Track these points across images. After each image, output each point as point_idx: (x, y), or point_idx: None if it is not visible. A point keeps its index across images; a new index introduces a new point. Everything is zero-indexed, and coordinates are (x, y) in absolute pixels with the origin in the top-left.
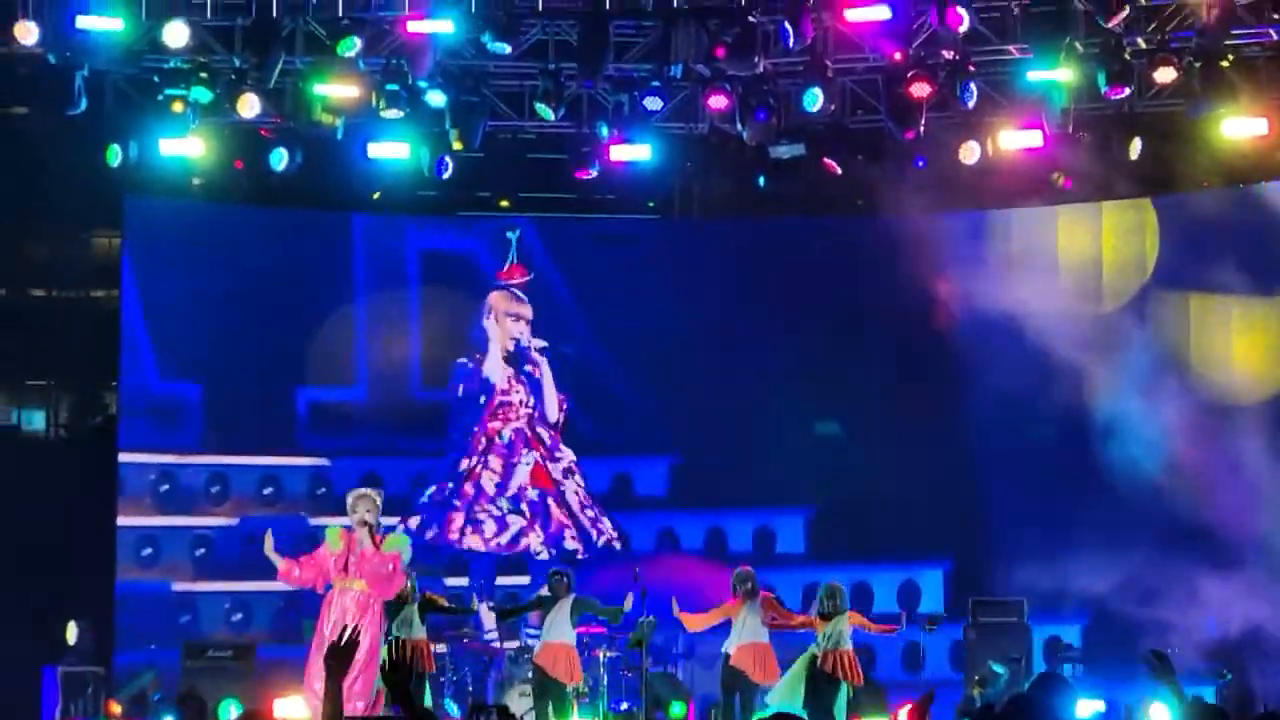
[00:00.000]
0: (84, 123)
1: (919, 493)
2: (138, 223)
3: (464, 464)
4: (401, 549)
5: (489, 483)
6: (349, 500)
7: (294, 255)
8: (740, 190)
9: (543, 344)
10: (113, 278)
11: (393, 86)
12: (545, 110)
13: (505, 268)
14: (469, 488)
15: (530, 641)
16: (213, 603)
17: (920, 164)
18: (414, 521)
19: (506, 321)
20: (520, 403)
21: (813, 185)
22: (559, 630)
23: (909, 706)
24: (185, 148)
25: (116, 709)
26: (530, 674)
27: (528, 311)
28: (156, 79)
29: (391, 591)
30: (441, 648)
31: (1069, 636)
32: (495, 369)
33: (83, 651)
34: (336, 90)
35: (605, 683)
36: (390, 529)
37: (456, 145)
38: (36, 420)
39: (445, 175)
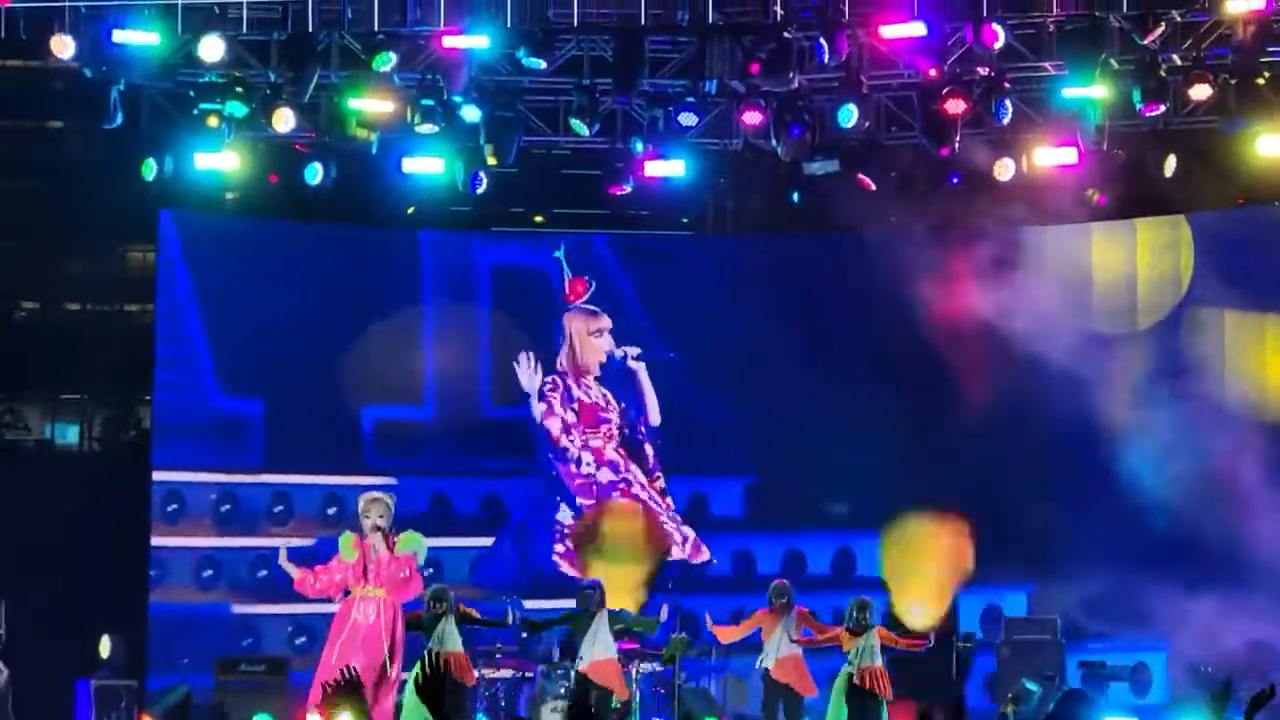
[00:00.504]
0: (119, 137)
1: (993, 517)
2: (173, 237)
3: (577, 480)
4: (416, 548)
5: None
6: (361, 504)
7: (356, 270)
8: (774, 206)
9: (636, 350)
10: (147, 291)
11: (428, 101)
12: (580, 126)
13: (565, 287)
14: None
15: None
16: (275, 625)
17: (955, 181)
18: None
19: (591, 339)
20: (617, 421)
21: (847, 202)
22: (602, 646)
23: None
24: (220, 162)
25: None
26: (564, 688)
27: (605, 322)
28: (192, 93)
29: (410, 594)
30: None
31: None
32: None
33: (116, 665)
34: (371, 105)
35: (638, 699)
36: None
37: (491, 160)
38: (70, 434)
39: (479, 190)
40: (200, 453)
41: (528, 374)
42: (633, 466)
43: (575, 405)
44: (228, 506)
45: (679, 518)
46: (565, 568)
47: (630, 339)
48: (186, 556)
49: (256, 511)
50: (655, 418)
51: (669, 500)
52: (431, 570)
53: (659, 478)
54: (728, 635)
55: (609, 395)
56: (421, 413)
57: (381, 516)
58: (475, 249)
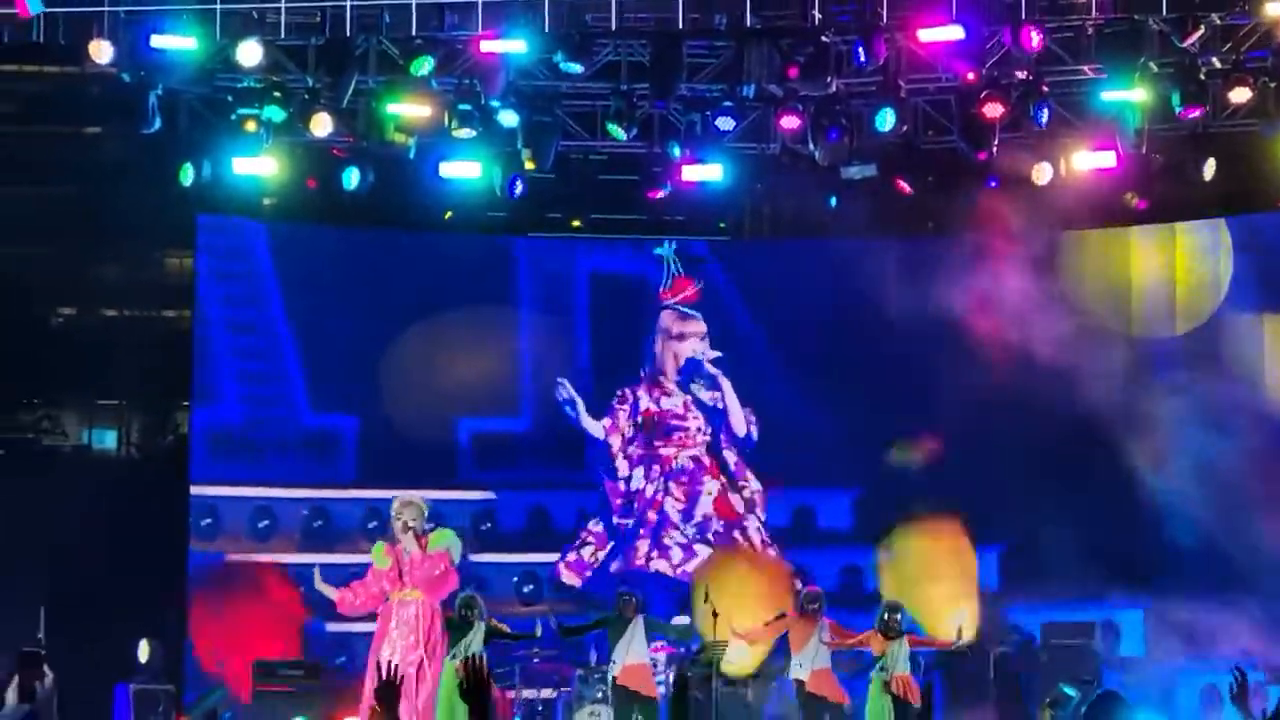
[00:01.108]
0: (157, 142)
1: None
2: (214, 242)
3: (648, 490)
4: (450, 546)
5: (673, 509)
6: (394, 507)
7: (447, 279)
8: (811, 211)
9: (716, 354)
10: (184, 297)
11: (465, 106)
12: (617, 130)
13: (669, 285)
14: (653, 515)
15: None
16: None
17: (993, 184)
18: (592, 553)
19: (672, 343)
20: (698, 428)
21: (884, 206)
22: (636, 651)
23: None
24: (258, 167)
25: None
26: (601, 692)
27: (698, 327)
28: (230, 98)
29: (446, 591)
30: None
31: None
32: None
33: (154, 669)
34: (409, 109)
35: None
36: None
37: (528, 165)
38: (108, 439)
39: (517, 195)
40: (295, 467)
41: (566, 393)
42: (708, 477)
43: (640, 417)
44: (320, 523)
45: (769, 536)
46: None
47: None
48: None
49: (349, 527)
50: (739, 427)
51: (760, 514)
52: (531, 587)
53: (745, 486)
54: (755, 637)
55: (689, 401)
56: (518, 424)
57: (414, 519)
58: (576, 256)
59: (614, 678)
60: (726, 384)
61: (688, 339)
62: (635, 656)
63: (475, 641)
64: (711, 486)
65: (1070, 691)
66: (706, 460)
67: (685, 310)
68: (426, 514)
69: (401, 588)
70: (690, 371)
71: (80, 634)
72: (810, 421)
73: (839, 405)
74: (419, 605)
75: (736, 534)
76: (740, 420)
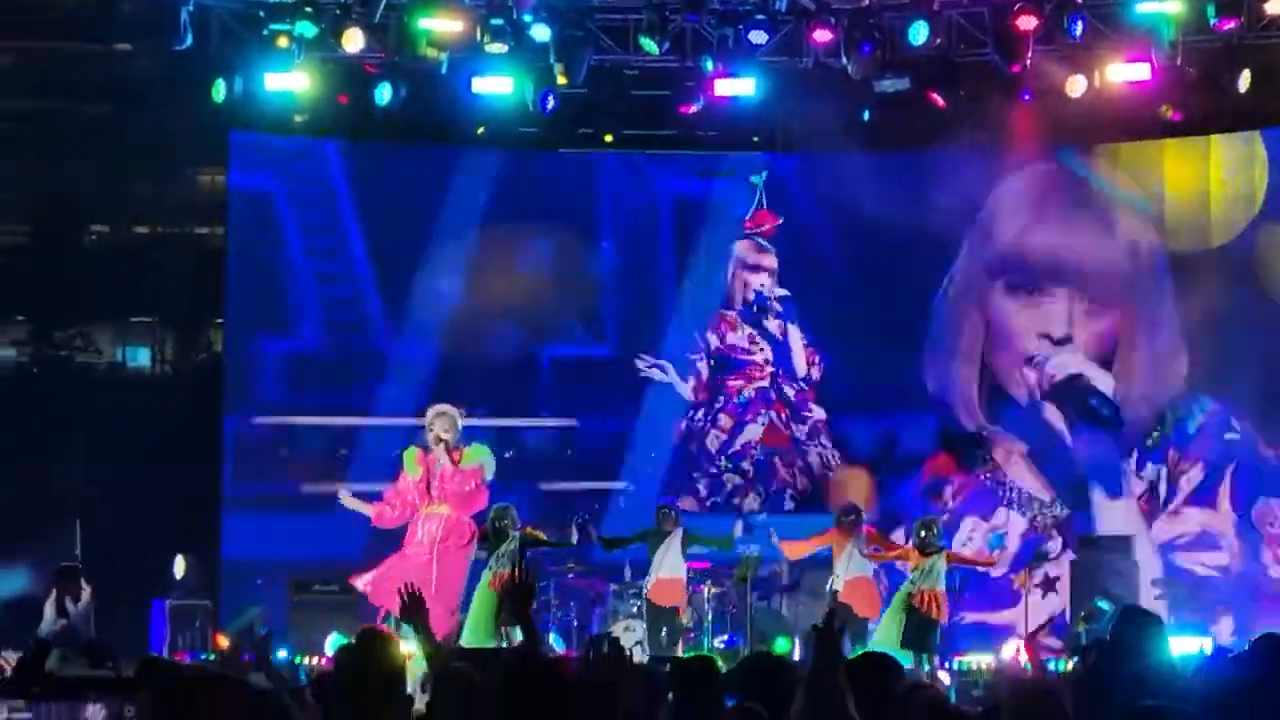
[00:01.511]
0: (188, 59)
1: None
2: (242, 158)
3: (685, 425)
4: (484, 461)
5: (713, 441)
6: (427, 418)
7: (527, 197)
8: (844, 125)
9: (783, 293)
10: (217, 214)
11: (497, 21)
12: (650, 44)
13: (751, 214)
14: (692, 448)
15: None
16: None
17: (1026, 98)
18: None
19: (744, 274)
20: (765, 361)
21: (918, 119)
22: (671, 565)
23: (1022, 643)
24: (290, 82)
25: (224, 642)
26: (637, 608)
27: (769, 261)
28: (262, 14)
29: (475, 508)
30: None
31: None
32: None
33: (190, 585)
34: (441, 24)
35: (710, 618)
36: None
37: (561, 80)
38: (141, 356)
39: (549, 110)
40: (384, 397)
41: (658, 371)
42: (766, 409)
43: (711, 360)
44: (397, 451)
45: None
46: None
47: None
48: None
49: None
50: (800, 367)
51: (825, 440)
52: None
53: (809, 416)
54: (794, 551)
55: (755, 334)
56: (601, 349)
57: (447, 431)
58: (660, 178)
59: (646, 592)
60: (792, 327)
61: (760, 272)
62: (669, 570)
63: (512, 556)
64: (765, 417)
65: (1104, 605)
66: (772, 393)
67: (762, 242)
68: (460, 426)
69: (429, 501)
70: (757, 304)
71: (116, 551)
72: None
73: (888, 325)
74: (444, 520)
75: (778, 461)
76: (801, 359)
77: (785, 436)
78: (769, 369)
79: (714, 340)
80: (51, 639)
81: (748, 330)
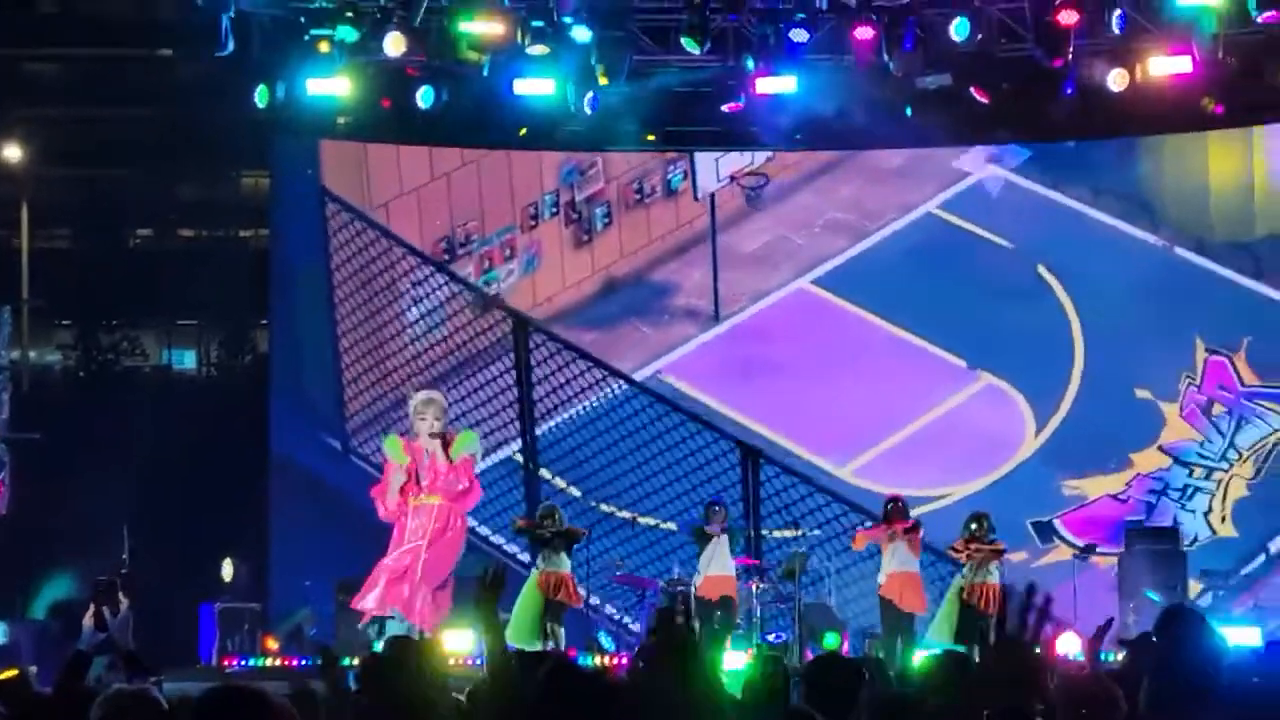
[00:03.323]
0: (231, 64)
1: None
2: (285, 162)
3: None
4: (474, 451)
5: None
6: (414, 404)
7: None
8: (887, 121)
9: None
10: (261, 217)
11: (538, 23)
12: (691, 43)
13: None
14: None
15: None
16: None
17: (1069, 92)
18: None
19: None
20: None
21: (960, 115)
22: (720, 563)
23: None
24: (332, 87)
25: (274, 645)
26: (683, 606)
27: None
28: (303, 19)
29: (469, 504)
30: None
31: None
32: None
33: (239, 588)
34: (482, 27)
35: (759, 614)
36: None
37: (603, 80)
38: (187, 359)
39: (592, 111)
40: None
41: None
42: None
43: None
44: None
45: None
46: None
47: None
48: None
49: None
50: None
51: None
52: None
53: None
54: (858, 541)
55: None
56: None
57: (438, 418)
58: None
59: (695, 589)
60: None
61: None
62: (718, 568)
63: (558, 557)
64: None
65: (1154, 598)
66: None
67: None
68: (447, 410)
69: (419, 492)
70: None
71: (165, 554)
72: None
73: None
74: (435, 510)
75: None
76: None
77: None
78: None
79: None
80: (92, 651)
81: None
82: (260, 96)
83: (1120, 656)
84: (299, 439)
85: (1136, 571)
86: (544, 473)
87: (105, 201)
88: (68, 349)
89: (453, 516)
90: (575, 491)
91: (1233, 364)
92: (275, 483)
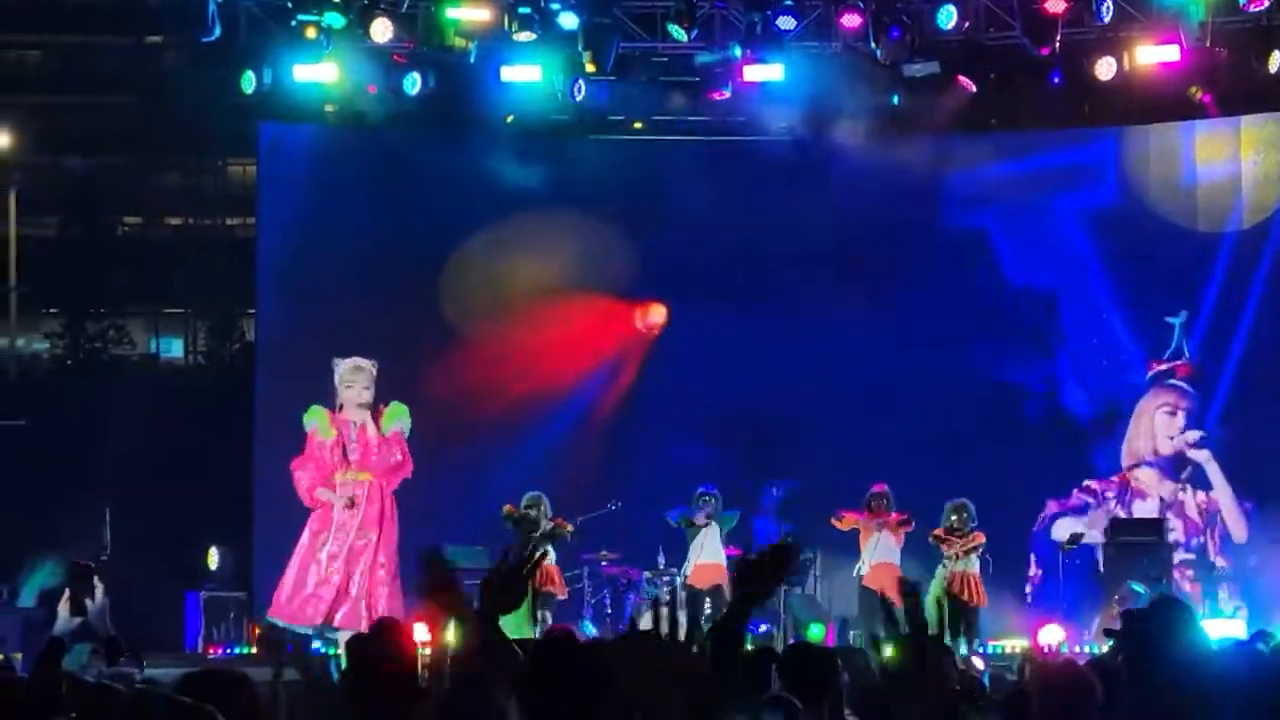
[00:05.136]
0: (217, 50)
1: None
2: (273, 149)
3: None
4: (405, 423)
5: None
6: (342, 372)
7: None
8: (874, 109)
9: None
10: (248, 205)
11: (525, 9)
12: (678, 31)
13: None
14: None
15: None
16: None
17: (1056, 80)
18: None
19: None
20: None
21: (947, 103)
22: (710, 551)
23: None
24: (319, 73)
25: (259, 633)
26: (669, 593)
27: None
28: (289, 5)
29: (401, 476)
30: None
31: None
32: None
33: (224, 577)
34: (469, 14)
35: None
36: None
37: (589, 68)
38: (174, 347)
39: (578, 98)
40: None
41: None
42: None
43: None
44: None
45: None
46: None
47: None
48: None
49: None
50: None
51: None
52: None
53: None
54: (842, 523)
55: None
56: None
57: (367, 388)
58: None
59: (685, 578)
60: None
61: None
62: (708, 556)
63: (541, 538)
64: None
65: (1139, 589)
66: None
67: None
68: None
69: (346, 467)
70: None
71: (150, 542)
72: None
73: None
74: (369, 487)
75: None
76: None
77: None
78: None
79: None
80: (68, 638)
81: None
82: (245, 83)
83: (1104, 650)
84: (285, 428)
85: (1121, 563)
86: None
87: (91, 189)
88: (55, 337)
89: (385, 496)
90: None
91: None
92: (261, 471)
